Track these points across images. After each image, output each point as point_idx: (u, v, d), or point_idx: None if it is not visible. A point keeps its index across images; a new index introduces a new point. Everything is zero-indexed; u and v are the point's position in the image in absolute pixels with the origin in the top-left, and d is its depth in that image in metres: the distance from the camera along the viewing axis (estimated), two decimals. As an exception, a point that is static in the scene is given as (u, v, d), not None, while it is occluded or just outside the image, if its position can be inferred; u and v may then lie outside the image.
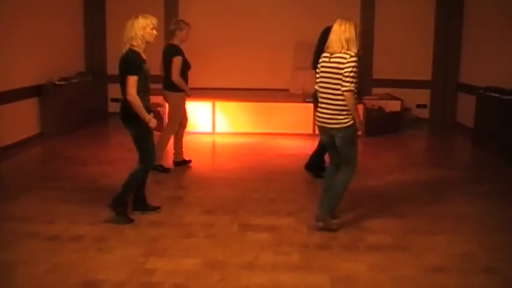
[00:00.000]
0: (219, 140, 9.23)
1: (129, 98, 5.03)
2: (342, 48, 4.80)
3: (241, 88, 11.05)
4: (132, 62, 5.04)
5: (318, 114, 5.08)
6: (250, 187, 6.42)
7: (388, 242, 4.77)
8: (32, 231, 4.85)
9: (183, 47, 6.99)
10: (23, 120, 8.54)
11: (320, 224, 5.01)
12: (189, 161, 7.37)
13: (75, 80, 9.88)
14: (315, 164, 6.83)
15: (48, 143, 8.72)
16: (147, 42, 5.19)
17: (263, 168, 7.31)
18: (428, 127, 10.85)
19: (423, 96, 11.16)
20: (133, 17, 5.17)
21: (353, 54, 4.77)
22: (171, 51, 6.87)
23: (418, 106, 11.17)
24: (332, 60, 4.87)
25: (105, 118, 11.07)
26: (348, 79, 4.71)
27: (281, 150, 8.51)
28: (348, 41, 4.79)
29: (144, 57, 5.20)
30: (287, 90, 10.99)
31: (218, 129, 9.61)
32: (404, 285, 3.96)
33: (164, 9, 11.15)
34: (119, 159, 7.65)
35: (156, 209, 5.50)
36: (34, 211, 5.42)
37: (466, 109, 10.03)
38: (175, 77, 6.78)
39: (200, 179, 6.84)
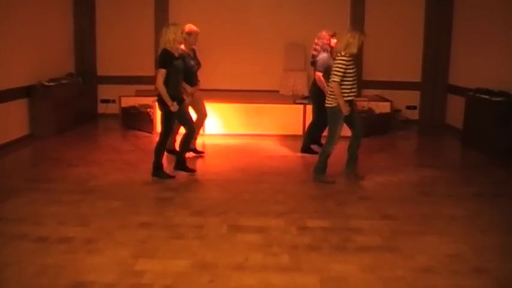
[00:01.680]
0: (209, 141, 9.21)
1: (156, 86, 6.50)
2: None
3: (231, 89, 11.06)
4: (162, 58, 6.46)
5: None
6: (240, 188, 6.42)
7: (378, 243, 4.77)
8: (20, 233, 4.82)
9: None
10: (12, 121, 8.50)
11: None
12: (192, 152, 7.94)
13: (64, 81, 9.83)
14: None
15: (37, 144, 8.68)
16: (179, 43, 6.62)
17: (253, 170, 7.31)
18: (418, 128, 10.89)
19: (413, 97, 11.21)
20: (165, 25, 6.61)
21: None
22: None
23: (408, 107, 11.21)
24: None
25: (94, 119, 11.05)
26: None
27: (271, 151, 8.51)
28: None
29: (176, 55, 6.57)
30: (277, 91, 11.00)
31: (208, 130, 9.58)
32: (393, 285, 3.97)
33: (154, 11, 11.14)
34: (108, 160, 7.63)
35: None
36: (23, 212, 5.38)
37: (455, 110, 10.07)
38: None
39: (190, 180, 6.83)
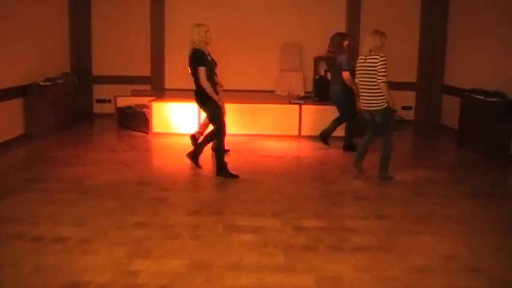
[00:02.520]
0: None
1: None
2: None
3: (227, 89, 11.01)
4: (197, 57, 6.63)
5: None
6: (235, 188, 6.42)
7: (373, 243, 4.78)
8: (16, 233, 4.81)
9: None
10: (7, 121, 8.49)
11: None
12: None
13: (60, 81, 9.81)
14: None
15: (32, 143, 8.67)
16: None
17: (249, 170, 7.30)
18: (414, 129, 10.91)
19: (408, 98, 11.23)
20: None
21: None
22: None
23: (404, 108, 11.23)
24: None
25: (90, 119, 11.05)
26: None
27: (267, 151, 8.52)
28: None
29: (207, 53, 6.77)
30: (273, 91, 11.01)
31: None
32: (389, 285, 3.97)
33: (150, 11, 11.14)
34: (103, 160, 7.63)
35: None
36: (18, 212, 5.38)
37: (451, 111, 10.10)
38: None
39: (185, 180, 6.83)
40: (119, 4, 11.24)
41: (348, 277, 4.08)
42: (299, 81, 10.89)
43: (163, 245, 4.65)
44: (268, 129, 9.61)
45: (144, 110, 9.70)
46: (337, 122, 8.68)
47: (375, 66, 6.58)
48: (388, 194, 6.32)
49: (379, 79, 6.55)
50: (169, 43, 11.15)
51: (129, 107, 10.14)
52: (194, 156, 7.25)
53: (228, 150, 8.04)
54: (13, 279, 3.97)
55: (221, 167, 6.79)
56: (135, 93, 10.77)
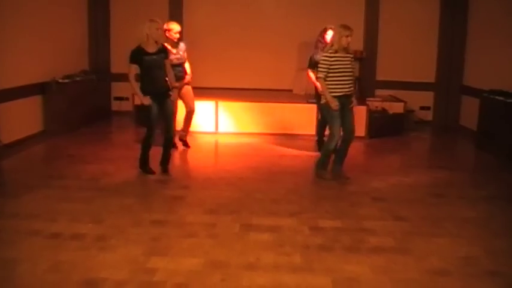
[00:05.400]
0: (221, 139, 9.23)
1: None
2: None
3: (245, 88, 11.05)
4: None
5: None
6: (252, 187, 6.42)
7: (390, 244, 4.76)
8: (34, 229, 4.86)
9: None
10: (26, 118, 8.55)
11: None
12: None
13: (78, 78, 9.87)
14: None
15: (51, 140, 8.73)
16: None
17: (266, 169, 7.31)
18: (432, 129, 10.83)
19: (427, 98, 11.14)
20: None
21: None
22: None
23: (422, 108, 11.14)
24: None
25: (108, 116, 11.09)
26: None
27: (284, 150, 8.50)
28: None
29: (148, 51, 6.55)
30: (290, 90, 10.99)
31: (221, 129, 9.61)
32: (405, 287, 3.95)
33: (169, 8, 11.15)
34: (121, 157, 7.67)
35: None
36: (37, 209, 5.42)
37: (469, 112, 10.01)
38: None
39: (203, 178, 6.83)
40: (138, 2, 11.27)
41: (364, 278, 4.06)
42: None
43: (180, 243, 4.67)
44: (285, 129, 9.60)
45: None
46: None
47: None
48: (406, 195, 6.27)
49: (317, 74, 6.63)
50: (187, 41, 11.17)
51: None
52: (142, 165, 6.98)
53: (188, 147, 8.39)
54: (30, 275, 4.00)
55: (141, 162, 6.87)
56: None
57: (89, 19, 11.06)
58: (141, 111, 6.65)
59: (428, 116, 11.22)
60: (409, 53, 11.06)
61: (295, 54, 11.10)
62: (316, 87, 7.52)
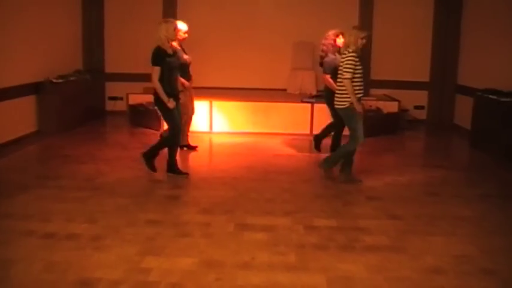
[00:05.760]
0: (216, 139, 9.23)
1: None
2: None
3: (239, 87, 11.06)
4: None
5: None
6: (247, 187, 6.42)
7: (385, 243, 4.76)
8: (29, 229, 4.84)
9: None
10: (20, 118, 8.53)
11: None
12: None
13: (72, 78, 9.86)
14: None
15: (45, 140, 8.71)
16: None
17: (260, 168, 7.30)
18: (426, 128, 10.86)
19: (421, 97, 11.18)
20: None
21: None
22: None
23: (416, 107, 11.18)
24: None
25: (102, 116, 11.08)
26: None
27: (278, 150, 8.51)
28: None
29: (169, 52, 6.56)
30: (285, 90, 11.00)
31: (215, 128, 9.61)
32: (400, 286, 3.95)
33: (162, 8, 11.14)
34: (115, 157, 7.66)
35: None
36: (31, 209, 5.40)
37: (463, 111, 10.04)
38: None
39: (197, 178, 6.82)
40: (132, 2, 11.26)
41: (359, 277, 4.07)
42: (311, 80, 10.85)
43: (175, 242, 4.66)
44: (280, 128, 9.60)
45: (156, 107, 9.69)
46: (330, 127, 8.04)
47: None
48: (401, 194, 6.28)
49: (342, 75, 6.40)
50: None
51: (141, 105, 10.15)
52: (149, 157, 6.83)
53: (196, 147, 8.23)
54: (25, 275, 3.99)
55: (169, 165, 6.77)
56: (147, 91, 10.75)
57: (83, 19, 11.06)
58: (164, 112, 6.58)
59: (423, 115, 11.27)
60: (403, 53, 11.09)
61: (290, 53, 11.12)
62: (330, 91, 7.20)
